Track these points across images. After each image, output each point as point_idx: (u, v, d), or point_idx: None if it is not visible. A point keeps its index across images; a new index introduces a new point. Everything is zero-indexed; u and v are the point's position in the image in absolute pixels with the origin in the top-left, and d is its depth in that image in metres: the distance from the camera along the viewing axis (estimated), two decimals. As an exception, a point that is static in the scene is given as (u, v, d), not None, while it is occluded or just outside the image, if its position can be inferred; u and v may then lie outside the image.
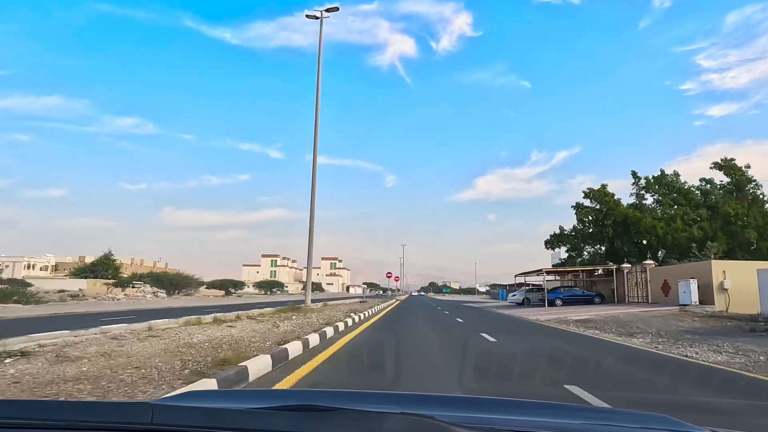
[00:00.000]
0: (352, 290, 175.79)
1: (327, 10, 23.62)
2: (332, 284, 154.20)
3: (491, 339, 12.50)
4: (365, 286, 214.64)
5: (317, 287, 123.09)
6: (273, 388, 5.62)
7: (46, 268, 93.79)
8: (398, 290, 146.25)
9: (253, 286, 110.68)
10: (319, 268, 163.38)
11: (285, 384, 6.05)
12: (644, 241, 39.19)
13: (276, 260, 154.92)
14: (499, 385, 6.54)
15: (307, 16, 23.98)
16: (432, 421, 1.12)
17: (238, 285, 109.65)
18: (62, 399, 4.16)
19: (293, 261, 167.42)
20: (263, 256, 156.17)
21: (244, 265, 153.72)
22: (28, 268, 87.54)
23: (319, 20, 23.85)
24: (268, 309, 20.16)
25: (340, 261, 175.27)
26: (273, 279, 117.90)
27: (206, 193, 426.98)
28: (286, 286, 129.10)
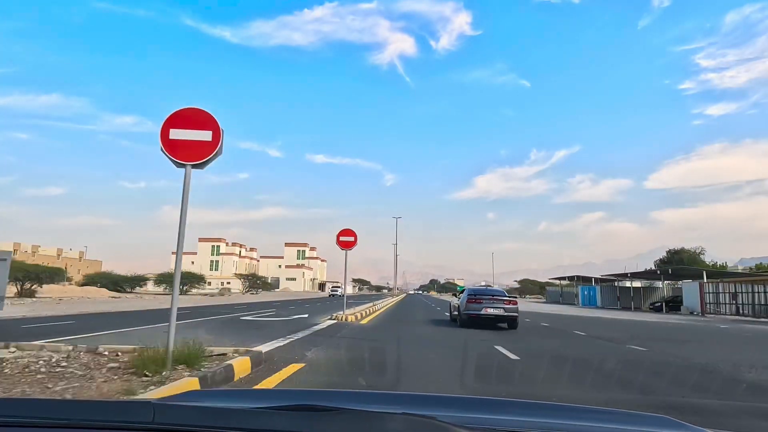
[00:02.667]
0: (330, 288, 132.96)
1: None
2: (295, 279, 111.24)
3: None
4: (354, 284, 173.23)
5: (265, 284, 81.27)
6: (274, 388, 5.32)
7: None
8: (389, 289, 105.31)
9: (155, 281, 68.73)
10: (281, 258, 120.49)
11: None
12: None
13: (218, 246, 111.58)
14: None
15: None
16: (433, 422, 1.11)
17: (133, 280, 68.71)
18: (62, 398, 3.71)
19: (250, 249, 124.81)
20: (200, 240, 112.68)
21: (173, 253, 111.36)
22: None
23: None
24: None
25: (312, 249, 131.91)
26: (190, 273, 74.71)
27: (205, 192, 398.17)
28: (227, 283, 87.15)
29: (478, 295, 15.35)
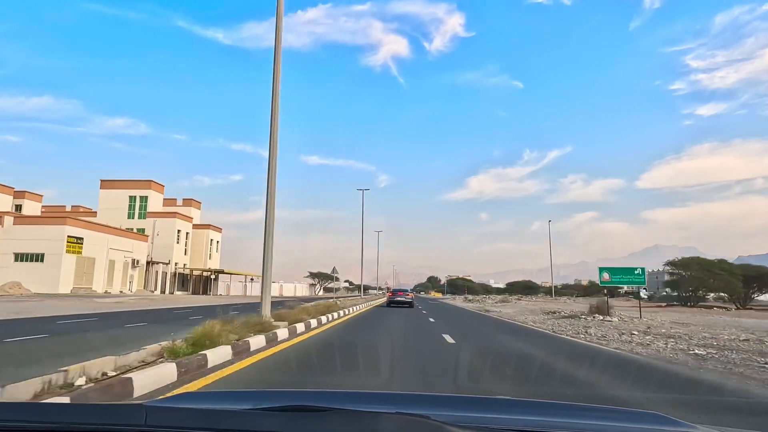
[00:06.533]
0: (230, 287, 68.72)
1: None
2: (112, 256, 43.64)
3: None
4: (314, 280, 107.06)
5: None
6: (267, 389, 5.22)
7: None
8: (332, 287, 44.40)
9: None
10: (93, 214, 54.47)
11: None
12: None
13: None
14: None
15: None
16: (427, 421, 1.12)
17: None
18: (55, 402, 3.59)
19: (70, 210, 58.57)
20: None
21: None
22: None
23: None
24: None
25: (188, 202, 63.74)
26: None
27: (198, 194, 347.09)
28: None
29: (394, 292, 35.47)
